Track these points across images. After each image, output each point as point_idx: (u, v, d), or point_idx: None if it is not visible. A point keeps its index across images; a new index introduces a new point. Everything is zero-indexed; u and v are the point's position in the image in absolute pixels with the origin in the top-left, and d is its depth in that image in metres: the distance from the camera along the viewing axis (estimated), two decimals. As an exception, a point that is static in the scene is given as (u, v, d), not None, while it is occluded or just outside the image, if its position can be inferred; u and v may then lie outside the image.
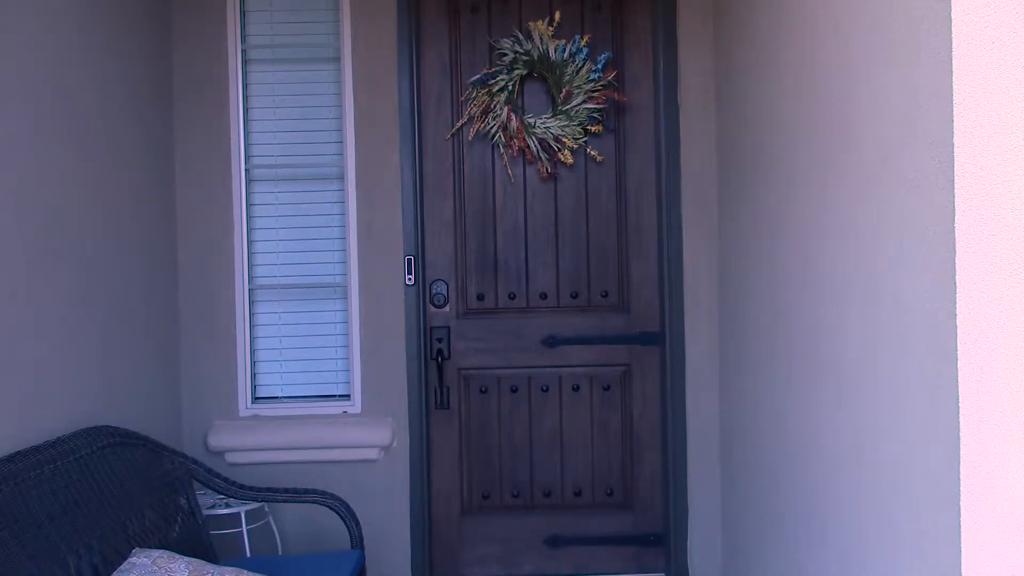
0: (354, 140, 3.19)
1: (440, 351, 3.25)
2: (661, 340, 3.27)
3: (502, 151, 3.24)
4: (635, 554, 3.29)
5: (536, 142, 3.19)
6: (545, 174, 3.23)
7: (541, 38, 3.18)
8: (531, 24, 3.20)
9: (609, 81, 3.19)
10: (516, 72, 3.19)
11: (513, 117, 3.17)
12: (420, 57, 3.27)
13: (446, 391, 3.27)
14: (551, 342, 3.28)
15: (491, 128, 3.20)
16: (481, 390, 3.28)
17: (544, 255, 3.30)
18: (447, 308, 3.27)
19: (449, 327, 3.27)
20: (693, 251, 3.20)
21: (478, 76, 3.21)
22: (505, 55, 3.20)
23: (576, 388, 3.29)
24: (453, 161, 3.28)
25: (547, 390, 3.29)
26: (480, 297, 3.28)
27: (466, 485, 3.30)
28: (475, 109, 3.21)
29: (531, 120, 3.19)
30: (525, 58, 3.19)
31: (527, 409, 3.29)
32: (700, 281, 3.20)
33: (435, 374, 3.26)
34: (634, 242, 3.28)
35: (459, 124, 3.24)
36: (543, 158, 3.21)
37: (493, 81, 3.19)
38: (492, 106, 3.19)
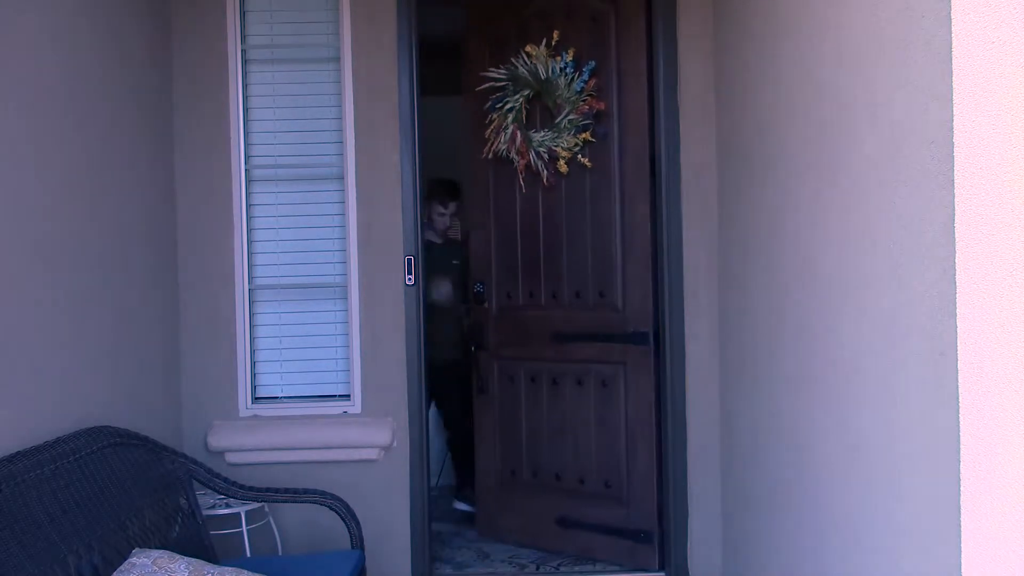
0: (354, 140, 3.18)
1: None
2: (655, 339, 3.23)
3: (514, 165, 3.37)
4: (629, 549, 3.27)
5: (536, 155, 3.31)
6: (547, 183, 3.31)
7: (538, 60, 3.30)
8: (529, 48, 3.32)
9: (590, 91, 3.24)
10: (519, 95, 3.34)
11: (519, 135, 3.31)
12: (420, 57, 3.28)
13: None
14: (559, 339, 3.36)
15: (502, 147, 3.37)
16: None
17: (549, 257, 3.38)
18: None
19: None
20: (693, 251, 3.19)
21: (490, 103, 3.40)
22: (509, 80, 3.35)
23: (580, 383, 3.32)
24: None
25: (557, 383, 3.38)
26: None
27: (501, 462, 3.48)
28: (492, 133, 3.41)
29: (532, 135, 3.31)
30: (529, 79, 3.32)
31: (540, 401, 3.42)
32: (700, 281, 3.19)
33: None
34: (630, 243, 3.27)
35: (487, 148, 3.43)
36: (546, 169, 3.31)
37: (501, 104, 3.35)
38: (503, 126, 3.36)
